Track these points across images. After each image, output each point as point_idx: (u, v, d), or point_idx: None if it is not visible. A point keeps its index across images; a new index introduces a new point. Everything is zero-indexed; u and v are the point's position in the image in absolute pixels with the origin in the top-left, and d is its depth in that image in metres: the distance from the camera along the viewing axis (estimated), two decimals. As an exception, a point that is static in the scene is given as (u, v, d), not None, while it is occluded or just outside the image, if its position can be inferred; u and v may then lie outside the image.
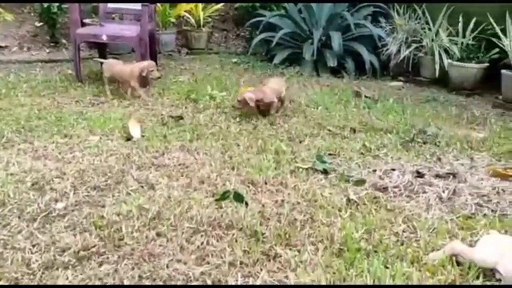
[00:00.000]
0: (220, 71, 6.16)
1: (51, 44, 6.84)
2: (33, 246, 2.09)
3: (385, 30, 6.17)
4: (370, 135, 3.80)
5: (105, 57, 5.73)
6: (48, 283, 1.83)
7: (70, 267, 1.95)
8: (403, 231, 2.33)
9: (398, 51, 5.86)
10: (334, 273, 1.95)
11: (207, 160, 3.21)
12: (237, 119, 4.16)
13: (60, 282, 1.83)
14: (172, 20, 7.24)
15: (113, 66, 4.79)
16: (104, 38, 5.10)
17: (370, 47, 6.20)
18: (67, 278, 1.86)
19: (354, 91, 5.17)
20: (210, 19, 7.65)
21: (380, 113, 4.46)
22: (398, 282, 1.88)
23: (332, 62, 6.12)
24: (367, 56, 6.07)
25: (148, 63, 4.68)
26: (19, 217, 2.34)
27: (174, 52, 7.23)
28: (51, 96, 4.59)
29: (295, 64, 6.40)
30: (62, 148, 3.28)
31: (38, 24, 6.96)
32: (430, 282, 1.90)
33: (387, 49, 5.97)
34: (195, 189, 2.78)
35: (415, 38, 5.85)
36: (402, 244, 2.21)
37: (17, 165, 2.92)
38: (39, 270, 1.91)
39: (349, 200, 2.65)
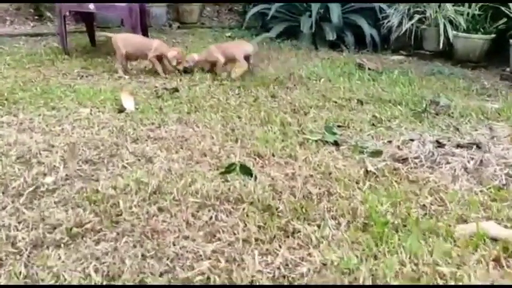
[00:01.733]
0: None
1: (36, 18, 6.45)
2: (19, 223, 1.82)
3: (386, 1, 5.89)
4: (378, 107, 3.57)
5: (93, 31, 5.38)
6: (37, 263, 1.57)
7: (62, 245, 1.68)
8: (431, 204, 2.10)
9: (400, 23, 5.59)
10: (363, 249, 1.72)
11: (207, 132, 2.95)
12: (236, 91, 3.89)
13: (51, 263, 1.56)
14: (162, -8, 6.87)
15: (131, 39, 4.33)
16: (91, 7, 4.74)
17: (371, 20, 5.93)
18: (59, 258, 1.60)
19: (356, 63, 4.92)
20: (202, -8, 7.30)
21: (386, 85, 4.23)
22: (436, 259, 1.66)
23: (331, 36, 5.85)
24: (367, 29, 5.80)
25: (178, 53, 4.28)
26: (3, 192, 2.06)
27: (165, 26, 6.88)
28: (37, 69, 4.26)
29: (293, 37, 6.12)
30: (49, 121, 2.99)
31: (20, -4, 6.55)
32: (473, 258, 1.68)
33: (388, 21, 5.69)
34: (197, 162, 2.52)
35: (417, 9, 5.58)
36: (431, 218, 1.98)
37: (0, 138, 2.62)
38: (26, 250, 1.64)
39: (367, 171, 2.42)
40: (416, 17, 5.53)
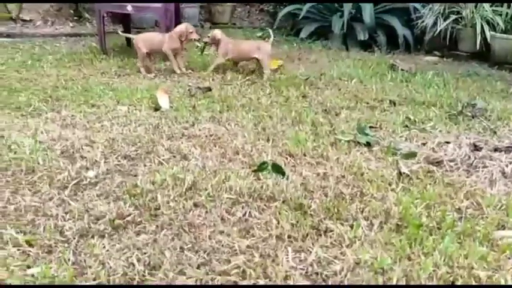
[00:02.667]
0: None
1: (75, 18, 6.67)
2: (66, 213, 1.92)
3: (421, 1, 5.80)
4: (412, 108, 3.54)
5: (129, 32, 5.53)
6: (84, 251, 1.65)
7: (106, 235, 1.77)
8: (467, 208, 2.08)
9: (435, 23, 5.51)
10: (397, 250, 1.73)
11: (239, 131, 3.00)
12: (267, 91, 3.94)
13: (97, 251, 1.64)
14: (196, -7, 6.99)
15: (152, 38, 4.40)
16: (129, 8, 4.87)
17: (404, 20, 5.86)
18: (104, 247, 1.68)
19: (389, 64, 4.88)
20: (233, -7, 7.38)
21: (419, 86, 4.18)
22: (472, 263, 1.65)
23: (362, 36, 5.82)
24: (400, 29, 5.73)
25: (185, 26, 4.33)
26: (49, 184, 2.17)
27: (197, 26, 6.98)
28: (77, 68, 4.42)
29: (323, 38, 6.12)
30: (90, 117, 3.11)
31: (61, -3, 6.79)
32: (509, 263, 1.67)
33: (422, 21, 5.61)
34: (230, 160, 2.58)
35: (453, 9, 5.47)
36: (468, 221, 1.96)
37: (45, 133, 2.76)
38: (74, 238, 1.73)
39: (400, 173, 2.41)
40: (452, 17, 5.43)
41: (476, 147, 2.68)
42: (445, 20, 5.46)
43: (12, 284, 1.50)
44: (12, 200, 2.01)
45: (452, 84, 4.27)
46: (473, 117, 3.32)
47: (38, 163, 2.36)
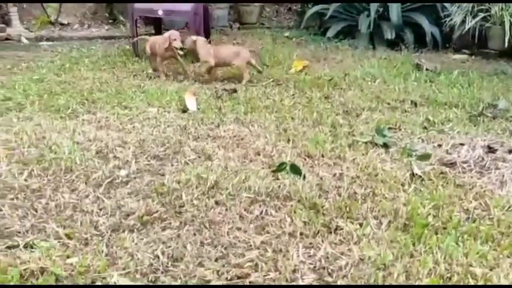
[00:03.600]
0: (273, 45, 6.06)
1: (110, 21, 7.00)
2: (100, 209, 2.14)
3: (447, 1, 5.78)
4: (433, 109, 3.61)
5: (160, 33, 5.77)
6: (116, 244, 1.87)
7: (135, 230, 1.98)
8: (475, 208, 2.17)
9: (463, 21, 5.47)
10: (400, 248, 1.85)
11: (261, 132, 3.16)
12: (291, 92, 4.08)
13: (127, 244, 1.85)
14: (225, -6, 7.18)
15: (155, 41, 4.55)
16: (160, 12, 5.12)
17: (432, 18, 5.84)
18: (133, 241, 1.89)
19: (414, 64, 4.91)
20: (262, -7, 7.53)
21: (443, 86, 4.21)
22: (471, 261, 1.76)
23: (389, 34, 5.84)
24: (428, 27, 5.73)
25: (170, 33, 4.37)
26: (86, 183, 2.40)
27: (226, 27, 7.19)
28: (111, 70, 4.69)
29: (350, 37, 6.18)
30: (122, 119, 3.34)
31: (97, 1, 7.14)
32: (507, 262, 1.76)
33: (451, 19, 5.58)
34: (251, 161, 2.74)
35: (482, 7, 5.43)
36: (474, 221, 2.06)
37: (82, 134, 3.01)
38: (107, 232, 1.95)
39: (413, 174, 2.52)
40: (481, 15, 5.38)
41: (490, 149, 2.73)
42: (473, 18, 5.42)
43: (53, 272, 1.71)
44: (53, 197, 2.25)
45: (477, 83, 4.28)
46: (494, 118, 3.35)
47: (76, 163, 2.60)
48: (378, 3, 5.95)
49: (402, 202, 2.23)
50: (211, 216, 2.11)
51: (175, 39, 4.30)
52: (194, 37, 4.42)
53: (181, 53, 4.41)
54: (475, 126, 3.24)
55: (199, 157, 2.78)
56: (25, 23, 6.57)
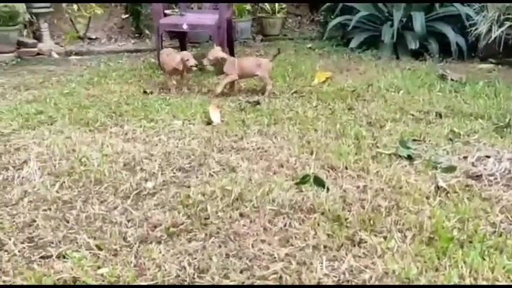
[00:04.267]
0: (295, 56, 6.10)
1: (136, 35, 7.18)
2: (128, 221, 2.22)
3: (474, 8, 5.71)
4: (458, 120, 3.57)
5: (184, 47, 5.91)
6: (144, 255, 1.93)
7: (162, 242, 2.04)
8: (501, 222, 2.15)
9: (489, 30, 5.39)
10: (425, 262, 1.86)
11: (285, 144, 3.20)
12: (314, 104, 4.10)
13: (154, 255, 1.92)
14: (248, 7, 7.27)
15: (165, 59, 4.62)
16: (185, 27, 5.24)
17: (457, 27, 5.79)
18: (160, 252, 1.95)
19: (438, 74, 4.87)
20: (284, 5, 7.59)
21: (469, 96, 4.17)
22: (497, 275, 1.74)
23: (413, 44, 5.81)
24: (453, 36, 5.67)
25: (182, 55, 4.47)
26: (114, 194, 2.49)
27: (249, 39, 7.28)
28: (137, 84, 4.82)
29: (373, 48, 6.17)
30: (149, 132, 3.44)
31: (124, 16, 7.34)
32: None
33: (476, 29, 5.52)
34: (275, 173, 2.78)
35: (508, 16, 5.35)
36: (500, 235, 2.04)
37: (110, 146, 3.11)
38: (136, 243, 2.02)
39: (438, 187, 2.51)
40: (507, 23, 5.30)
41: (518, 162, 2.70)
42: (499, 27, 5.34)
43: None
44: (83, 209, 2.34)
45: (504, 94, 4.21)
46: (521, 130, 3.30)
47: (105, 175, 2.69)
48: (402, 13, 5.93)
49: (427, 215, 2.23)
50: (236, 228, 2.15)
51: (187, 60, 4.41)
52: (220, 53, 4.48)
53: (195, 68, 4.58)
54: (501, 138, 3.20)
55: (224, 169, 2.84)
56: (55, 38, 6.82)
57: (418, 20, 5.78)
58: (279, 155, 3.00)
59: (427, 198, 2.42)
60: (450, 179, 2.59)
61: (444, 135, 3.30)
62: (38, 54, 6.25)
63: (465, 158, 2.87)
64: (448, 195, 2.44)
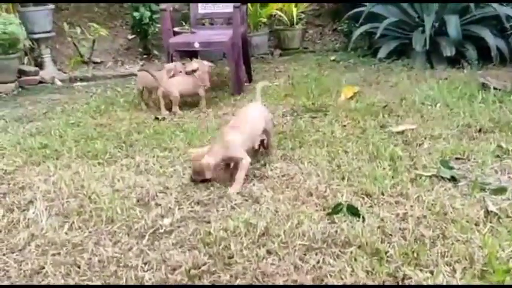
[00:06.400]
0: (318, 71, 6.15)
1: (144, 56, 7.37)
2: (145, 264, 2.23)
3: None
4: (505, 134, 3.53)
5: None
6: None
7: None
8: None
9: (533, 31, 5.36)
10: (479, 299, 1.82)
11: (312, 170, 3.20)
12: (342, 123, 4.11)
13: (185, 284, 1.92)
14: (264, 20, 7.39)
15: (143, 77, 4.86)
16: (197, 45, 5.34)
17: (496, 30, 5.77)
18: (181, 298, 1.96)
19: (479, 83, 4.83)
20: (303, 15, 7.70)
21: (515, 107, 4.12)
22: None
23: (449, 51, 5.79)
24: (492, 40, 5.64)
25: (175, 64, 4.82)
26: (128, 234, 2.52)
27: (267, 54, 7.38)
28: (148, 110, 4.91)
29: (404, 57, 6.18)
30: (162, 162, 3.48)
31: (130, 36, 7.57)
32: None
33: (517, 30, 5.49)
34: (303, 203, 2.78)
35: (554, 14, 5.32)
36: None
37: (121, 181, 3.16)
38: (154, 290, 2.04)
39: (487, 212, 2.47)
40: (553, 23, 5.26)
41: None
42: (545, 26, 5.31)
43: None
44: (95, 251, 2.37)
45: (556, 102, 4.15)
46: None
47: (117, 212, 2.73)
48: (434, 18, 5.94)
49: (477, 245, 2.19)
50: (263, 267, 2.15)
51: (184, 64, 4.81)
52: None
53: None
54: (557, 152, 3.14)
55: (246, 200, 2.85)
56: (58, 64, 7.04)
57: (453, 24, 5.78)
58: (307, 183, 3.01)
59: (476, 225, 2.38)
60: (501, 202, 2.55)
61: (491, 151, 3.26)
62: (40, 82, 6.46)
63: (517, 177, 2.83)
64: (500, 220, 2.40)
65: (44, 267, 2.25)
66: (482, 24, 5.84)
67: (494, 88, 4.61)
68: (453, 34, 5.76)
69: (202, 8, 5.81)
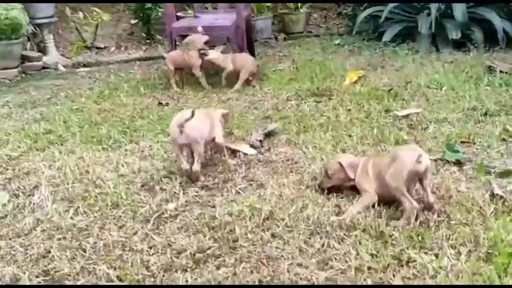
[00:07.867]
0: (323, 55, 6.11)
1: (147, 41, 7.32)
2: (150, 248, 2.25)
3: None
4: (511, 118, 3.49)
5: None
6: (169, 285, 1.95)
7: (188, 269, 2.06)
8: None
9: (541, 13, 5.29)
10: (484, 281, 1.82)
11: (317, 154, 3.19)
12: (346, 107, 4.08)
13: (180, 285, 1.94)
14: (267, 4, 7.31)
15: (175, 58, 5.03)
16: (200, 29, 5.30)
17: (503, 12, 5.69)
18: (186, 281, 1.97)
19: (485, 66, 4.79)
20: (308, -3, 7.62)
21: (522, 90, 4.08)
22: None
23: (454, 34, 5.72)
24: (499, 22, 5.57)
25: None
26: (133, 218, 2.53)
27: (271, 39, 7.32)
28: (151, 95, 4.89)
29: (409, 40, 6.12)
30: (166, 147, 3.48)
31: (133, 21, 7.51)
32: None
33: (525, 12, 5.42)
34: (308, 187, 2.78)
35: (563, -5, 5.24)
36: None
37: (126, 166, 3.16)
38: (159, 273, 2.05)
39: (493, 195, 2.46)
40: (561, 4, 5.19)
41: None
42: (553, 8, 5.23)
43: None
44: (101, 236, 2.39)
45: None
46: None
47: (122, 197, 2.74)
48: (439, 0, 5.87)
49: (483, 228, 2.18)
50: (268, 251, 2.16)
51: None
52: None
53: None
54: None
55: (251, 185, 2.85)
56: (61, 49, 7.01)
57: (459, 6, 5.71)
58: (311, 167, 3.00)
59: (482, 208, 2.38)
60: (507, 185, 2.54)
61: (496, 135, 3.24)
62: (44, 68, 6.43)
63: (523, 160, 2.81)
64: (506, 203, 2.39)
65: (50, 252, 2.27)
66: (489, 6, 5.76)
67: (501, 71, 4.57)
68: (459, 16, 5.68)
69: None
